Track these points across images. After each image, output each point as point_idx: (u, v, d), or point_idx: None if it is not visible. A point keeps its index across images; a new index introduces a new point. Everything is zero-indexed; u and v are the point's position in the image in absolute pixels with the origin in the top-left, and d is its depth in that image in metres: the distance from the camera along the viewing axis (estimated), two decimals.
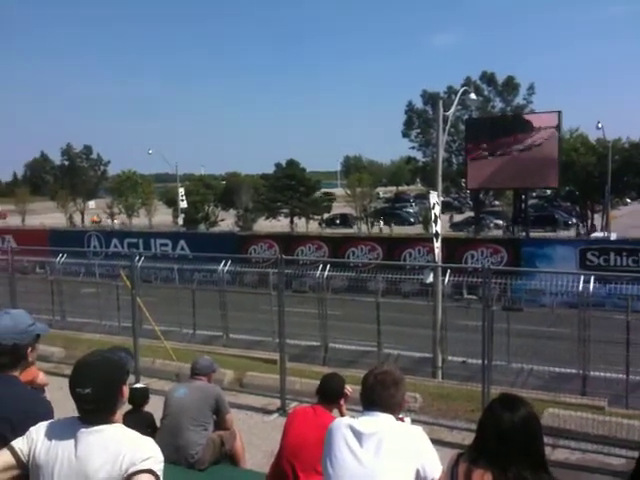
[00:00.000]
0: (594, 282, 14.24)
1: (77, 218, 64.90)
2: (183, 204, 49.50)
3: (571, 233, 42.60)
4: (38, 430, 2.54)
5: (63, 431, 2.49)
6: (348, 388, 4.59)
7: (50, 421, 2.61)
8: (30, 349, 3.14)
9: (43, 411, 2.94)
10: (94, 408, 2.46)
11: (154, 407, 5.77)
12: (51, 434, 2.50)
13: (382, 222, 53.26)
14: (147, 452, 2.41)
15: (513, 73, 47.61)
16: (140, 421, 5.32)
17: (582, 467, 6.58)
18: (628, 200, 52.38)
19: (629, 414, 8.05)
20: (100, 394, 2.45)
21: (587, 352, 12.83)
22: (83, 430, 2.45)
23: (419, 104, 50.02)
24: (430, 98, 47.75)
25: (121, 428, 2.52)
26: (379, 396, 3.00)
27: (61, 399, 3.19)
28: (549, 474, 2.55)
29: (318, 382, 4.71)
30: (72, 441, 2.44)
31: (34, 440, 2.51)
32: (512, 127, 31.26)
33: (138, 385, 6.41)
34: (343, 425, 3.01)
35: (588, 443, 6.93)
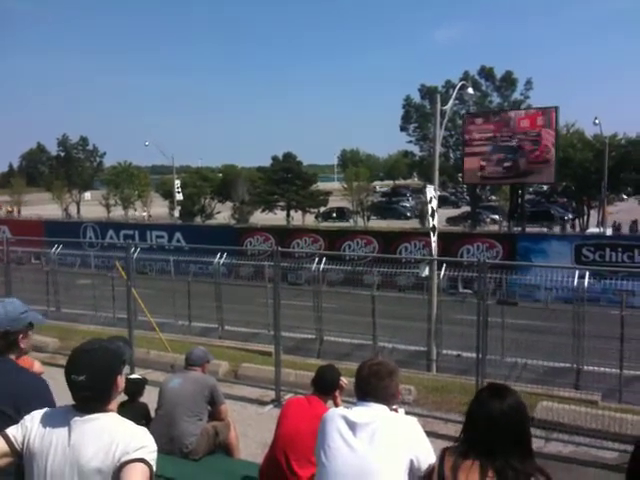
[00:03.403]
0: (589, 277, 14.28)
1: (73, 210, 64.77)
2: (179, 196, 49.41)
3: (567, 229, 42.67)
4: (33, 418, 2.54)
5: (57, 419, 2.49)
6: (343, 380, 4.58)
7: (45, 409, 2.61)
8: (22, 336, 3.17)
9: (43, 389, 3.00)
10: (88, 396, 2.46)
11: (149, 398, 5.78)
12: (45, 422, 2.50)
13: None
14: (140, 441, 2.41)
15: (511, 68, 47.70)
16: (135, 411, 5.33)
17: (574, 460, 6.61)
18: (624, 196, 52.48)
19: (622, 408, 8.09)
20: (95, 382, 2.45)
21: (581, 347, 12.87)
22: (77, 419, 2.45)
23: (417, 98, 50.12)
24: (428, 92, 47.83)
25: (116, 417, 2.52)
26: (374, 387, 3.01)
27: (55, 389, 3.19)
28: (535, 462, 2.59)
29: (313, 374, 4.71)
30: (66, 429, 2.44)
31: (28, 428, 2.51)
32: (509, 122, 31.32)
33: (134, 376, 6.41)
34: (337, 415, 3.01)
35: (581, 436, 6.97)
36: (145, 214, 60.13)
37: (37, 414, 2.55)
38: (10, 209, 64.82)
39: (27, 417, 2.56)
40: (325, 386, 4.52)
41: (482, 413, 2.62)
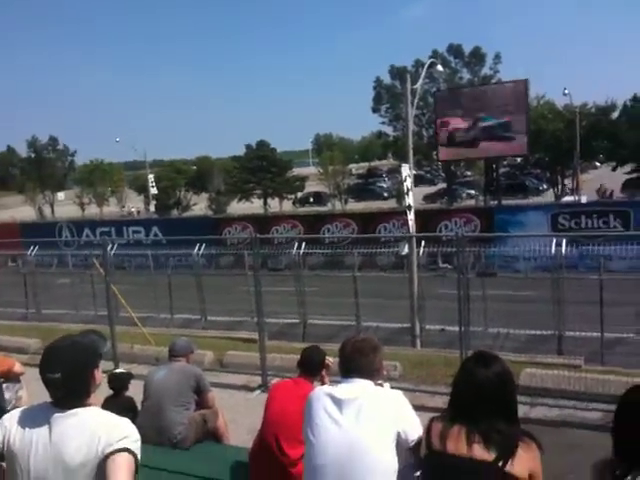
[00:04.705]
0: (566, 245, 14.46)
1: (47, 210, 64.01)
2: (154, 190, 48.97)
3: (542, 199, 43.02)
4: (11, 418, 2.51)
5: (37, 417, 2.47)
6: (329, 359, 4.58)
7: (23, 407, 2.60)
8: None
9: None
10: (66, 393, 2.45)
11: (135, 391, 5.74)
12: (24, 421, 2.47)
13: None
14: (123, 432, 2.41)
15: (479, 43, 47.83)
16: (120, 406, 5.28)
17: (561, 423, 6.70)
18: (597, 164, 53.04)
19: (605, 370, 8.22)
20: (70, 378, 2.43)
21: (562, 313, 13.04)
22: (57, 415, 2.43)
23: (387, 79, 50.02)
24: (398, 73, 47.67)
25: (96, 410, 2.50)
26: (357, 363, 3.03)
27: (38, 390, 3.15)
28: (520, 427, 2.62)
29: (299, 357, 4.71)
30: (46, 427, 2.42)
31: (7, 428, 2.48)
32: (480, 97, 31.44)
33: (118, 370, 6.38)
34: (322, 393, 3.03)
35: (565, 400, 7.08)
36: (134, 209, 59.53)
37: (16, 413, 2.53)
38: None
39: (6, 417, 2.54)
40: (311, 366, 4.52)
41: (468, 381, 2.66)
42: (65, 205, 63.95)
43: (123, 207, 61.82)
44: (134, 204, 61.41)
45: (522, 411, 6.34)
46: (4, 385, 5.32)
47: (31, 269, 19.41)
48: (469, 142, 31.39)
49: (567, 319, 12.92)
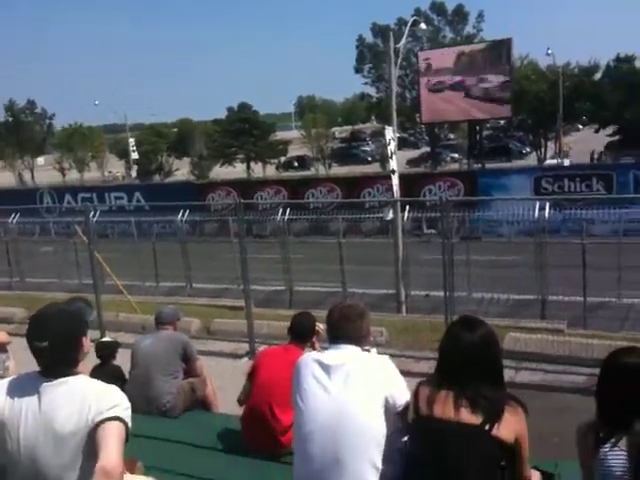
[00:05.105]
0: (549, 208, 14.53)
1: (27, 176, 63.03)
2: (135, 155, 48.31)
3: (525, 162, 43.00)
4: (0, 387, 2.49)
5: (25, 386, 2.46)
6: (319, 325, 4.58)
7: (11, 377, 2.59)
8: None
9: None
10: (54, 361, 2.43)
11: (121, 360, 5.73)
12: (13, 390, 2.46)
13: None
14: (113, 400, 2.40)
15: (462, 1, 47.18)
16: (108, 375, 5.27)
17: (545, 387, 6.80)
18: (580, 126, 53.00)
19: (587, 334, 8.33)
20: (58, 346, 2.42)
21: (545, 278, 13.16)
22: (46, 384, 2.42)
23: (370, 38, 49.28)
24: (380, 31, 46.98)
25: (85, 379, 2.50)
26: (345, 329, 3.04)
27: (26, 359, 3.13)
28: (506, 391, 2.66)
29: (286, 324, 4.70)
30: (36, 396, 2.41)
31: None
32: (464, 58, 31.19)
33: (106, 339, 6.37)
34: (310, 360, 3.04)
35: (549, 364, 7.17)
36: (119, 174, 58.74)
37: (4, 383, 2.52)
38: None
39: None
40: (302, 333, 4.50)
41: (454, 345, 2.68)
42: (45, 170, 62.93)
43: (109, 172, 61.04)
44: (116, 169, 60.69)
45: (507, 375, 6.35)
46: None
47: (13, 237, 19.18)
48: (452, 104, 31.34)
49: (550, 283, 13.04)
